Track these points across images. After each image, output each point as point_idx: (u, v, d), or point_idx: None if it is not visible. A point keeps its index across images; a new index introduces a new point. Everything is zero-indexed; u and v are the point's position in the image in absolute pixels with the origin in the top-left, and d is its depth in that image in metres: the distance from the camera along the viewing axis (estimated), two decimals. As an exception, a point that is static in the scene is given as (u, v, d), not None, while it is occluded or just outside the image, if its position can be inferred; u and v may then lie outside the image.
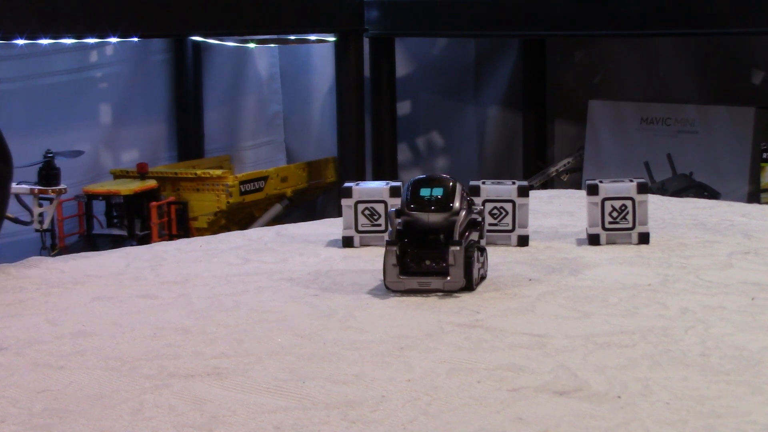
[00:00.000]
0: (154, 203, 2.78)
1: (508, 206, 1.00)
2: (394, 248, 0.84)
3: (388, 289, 0.84)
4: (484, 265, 0.88)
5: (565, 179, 2.96)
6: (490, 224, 1.00)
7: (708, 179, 2.72)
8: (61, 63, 2.75)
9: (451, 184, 0.87)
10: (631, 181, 1.00)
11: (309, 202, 3.33)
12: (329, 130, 3.24)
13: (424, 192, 0.86)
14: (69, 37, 2.39)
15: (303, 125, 3.39)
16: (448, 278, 0.84)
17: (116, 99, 2.94)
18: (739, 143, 2.68)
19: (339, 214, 1.05)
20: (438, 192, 0.86)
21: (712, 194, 2.67)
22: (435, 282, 0.84)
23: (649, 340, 0.71)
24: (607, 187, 1.00)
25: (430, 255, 0.85)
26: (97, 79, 2.91)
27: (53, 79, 2.76)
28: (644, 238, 1.00)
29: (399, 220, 0.86)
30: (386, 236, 0.88)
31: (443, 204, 0.85)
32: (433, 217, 0.85)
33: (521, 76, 3.11)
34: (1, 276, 0.92)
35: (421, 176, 0.88)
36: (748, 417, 0.57)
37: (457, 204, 0.85)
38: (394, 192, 1.01)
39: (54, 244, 2.66)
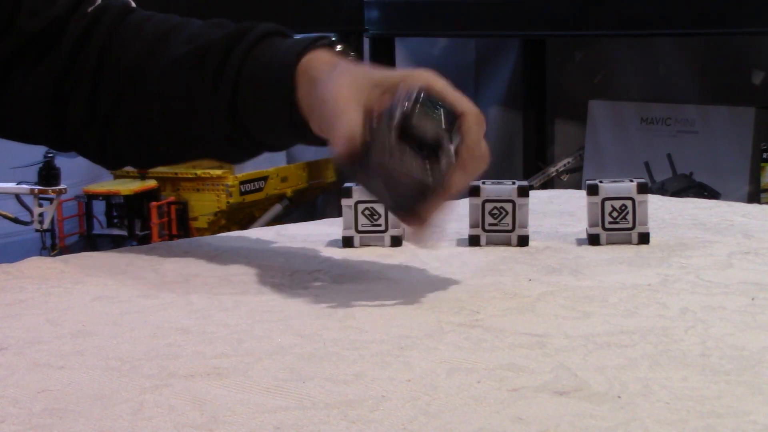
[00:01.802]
0: (154, 203, 2.78)
1: (508, 206, 1.00)
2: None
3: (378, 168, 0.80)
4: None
5: (565, 179, 2.96)
6: (490, 224, 1.00)
7: (708, 179, 2.72)
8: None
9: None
10: (631, 181, 1.00)
11: (309, 202, 3.33)
12: (329, 130, 3.23)
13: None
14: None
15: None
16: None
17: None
18: (739, 143, 2.68)
19: (339, 214, 1.05)
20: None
21: (712, 194, 2.67)
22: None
23: (649, 340, 0.71)
24: (607, 187, 1.00)
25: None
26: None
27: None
28: (644, 238, 1.00)
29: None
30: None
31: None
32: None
33: (521, 76, 3.11)
34: (1, 276, 0.92)
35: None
36: (748, 417, 0.57)
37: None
38: (394, 192, 1.01)
39: (54, 244, 2.66)
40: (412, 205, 0.82)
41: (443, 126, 0.81)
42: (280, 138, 0.97)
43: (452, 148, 0.81)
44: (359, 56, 0.94)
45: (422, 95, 0.81)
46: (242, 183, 2.97)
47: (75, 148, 1.04)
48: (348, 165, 0.82)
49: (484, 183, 1.01)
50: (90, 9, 0.99)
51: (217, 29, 0.96)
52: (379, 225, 1.02)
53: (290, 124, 0.92)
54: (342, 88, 0.84)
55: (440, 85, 0.83)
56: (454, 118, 0.82)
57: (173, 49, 0.96)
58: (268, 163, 3.32)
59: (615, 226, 1.00)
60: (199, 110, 0.95)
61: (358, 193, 1.02)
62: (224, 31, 0.95)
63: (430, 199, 0.81)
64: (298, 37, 0.94)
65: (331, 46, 0.92)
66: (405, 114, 0.80)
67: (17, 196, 2.50)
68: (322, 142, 0.90)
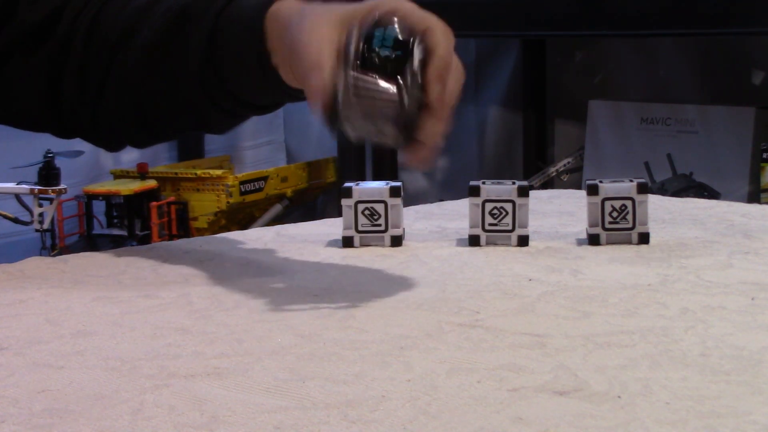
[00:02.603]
0: (154, 203, 2.78)
1: (508, 206, 1.00)
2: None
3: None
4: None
5: (565, 179, 2.96)
6: (490, 224, 1.01)
7: (708, 179, 2.72)
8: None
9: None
10: (631, 181, 1.00)
11: (309, 202, 3.33)
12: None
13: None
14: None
15: (303, 125, 3.39)
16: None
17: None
18: (739, 143, 2.67)
19: (339, 214, 1.05)
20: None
21: (712, 194, 2.67)
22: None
23: (649, 340, 0.71)
24: (607, 187, 1.00)
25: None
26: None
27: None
28: (644, 238, 1.00)
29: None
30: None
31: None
32: None
33: (521, 76, 3.11)
34: (1, 276, 0.92)
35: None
36: (748, 417, 0.57)
37: None
38: (394, 192, 1.01)
39: (54, 244, 2.66)
40: (404, 132, 0.81)
41: (400, 45, 0.80)
42: (256, 92, 0.95)
43: (416, 61, 0.80)
44: None
45: (373, 22, 0.80)
46: (242, 183, 2.97)
47: (75, 132, 1.04)
48: (327, 117, 0.81)
49: (484, 183, 1.01)
50: None
51: None
52: (379, 225, 1.02)
53: (264, 75, 0.90)
54: (313, 32, 0.83)
55: (406, 7, 0.83)
56: (412, 34, 0.80)
57: (155, 17, 0.96)
58: (268, 163, 3.32)
59: (615, 226, 1.00)
60: (180, 70, 0.95)
61: (358, 193, 1.02)
62: None
63: (417, 119, 0.80)
64: None
65: None
66: (357, 45, 0.79)
67: (17, 196, 2.50)
68: (299, 96, 0.90)
